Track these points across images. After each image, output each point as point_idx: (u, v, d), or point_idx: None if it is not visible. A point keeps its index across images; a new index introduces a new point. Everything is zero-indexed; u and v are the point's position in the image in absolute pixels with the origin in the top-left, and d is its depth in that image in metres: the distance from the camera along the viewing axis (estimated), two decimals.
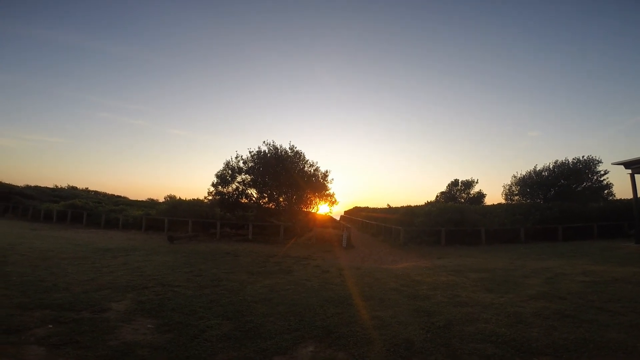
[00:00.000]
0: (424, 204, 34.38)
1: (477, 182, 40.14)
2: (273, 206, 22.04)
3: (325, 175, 22.52)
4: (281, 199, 21.81)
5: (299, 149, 22.17)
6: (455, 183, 41.04)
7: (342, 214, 43.34)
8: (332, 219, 28.63)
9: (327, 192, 22.52)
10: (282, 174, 20.71)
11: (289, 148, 21.89)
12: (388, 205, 38.39)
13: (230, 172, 21.87)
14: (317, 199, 22.48)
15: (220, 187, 21.73)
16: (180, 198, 27.52)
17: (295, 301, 5.87)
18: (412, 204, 31.16)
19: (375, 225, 24.57)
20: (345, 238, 16.86)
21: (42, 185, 42.62)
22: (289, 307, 5.48)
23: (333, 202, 22.91)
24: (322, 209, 23.66)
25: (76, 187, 47.57)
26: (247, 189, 21.83)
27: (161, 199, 40.17)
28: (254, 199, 21.97)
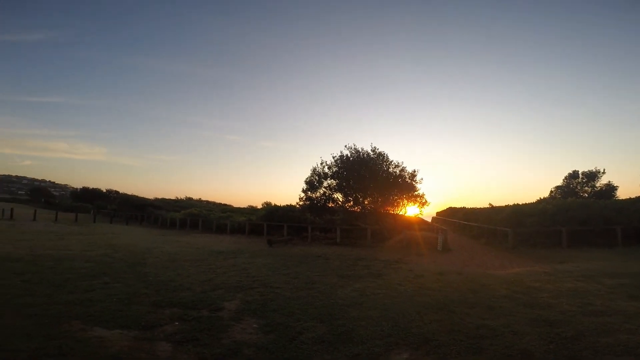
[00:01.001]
0: (535, 201, 29.83)
1: (603, 173, 32.90)
2: (359, 209, 21.93)
3: (412, 175, 21.46)
4: (366, 202, 21.57)
5: (382, 150, 21.68)
6: (574, 175, 34.37)
7: (434, 215, 40.44)
8: (422, 221, 27.05)
9: (416, 192, 21.35)
10: (365, 177, 20.50)
11: (371, 150, 21.55)
12: (490, 204, 34.31)
13: (317, 177, 22.62)
14: (405, 201, 21.51)
15: (309, 192, 22.61)
16: (275, 204, 29.68)
17: (388, 306, 5.66)
18: (520, 202, 27.34)
19: (476, 226, 22.23)
20: (441, 241, 15.69)
21: (166, 198, 51.29)
22: (381, 312, 5.29)
23: (423, 203, 21.59)
24: (411, 210, 22.55)
25: (192, 198, 55.77)
26: (333, 194, 22.24)
27: (259, 206, 44.00)
28: (340, 202, 22.25)
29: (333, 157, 22.18)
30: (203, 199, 57.95)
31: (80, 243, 13.83)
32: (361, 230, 19.28)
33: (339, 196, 22.10)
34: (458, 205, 38.35)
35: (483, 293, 6.48)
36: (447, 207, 39.99)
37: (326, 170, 22.40)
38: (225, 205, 52.15)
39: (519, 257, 12.60)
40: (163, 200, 49.03)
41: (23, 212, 30.93)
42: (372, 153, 21.39)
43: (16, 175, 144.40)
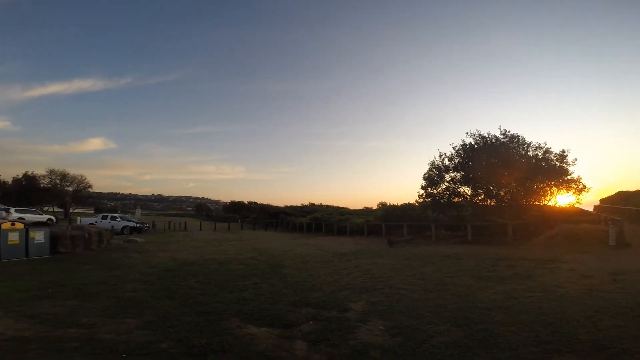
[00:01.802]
0: None
1: None
2: (492, 203, 19.30)
3: (561, 156, 17.62)
4: (502, 194, 18.79)
5: (515, 132, 18.57)
6: None
7: (597, 203, 32.16)
8: (582, 212, 21.90)
9: (568, 177, 17.43)
10: (497, 165, 17.82)
11: (501, 133, 18.69)
12: None
13: (436, 172, 20.99)
14: (554, 188, 17.80)
15: (429, 188, 21.19)
16: (391, 204, 29.14)
17: (545, 310, 5.06)
18: None
19: None
20: (614, 234, 12.39)
21: (294, 205, 56.90)
22: (536, 317, 4.76)
23: (580, 190, 17.42)
24: (563, 199, 18.51)
25: (314, 203, 60.15)
26: (458, 187, 20.21)
27: (375, 206, 44.06)
28: (467, 196, 20.05)
29: (453, 148, 20.20)
30: (323, 203, 61.96)
31: (233, 248, 16.47)
32: (498, 226, 16.93)
33: (465, 189, 19.92)
34: (632, 188, 29.46)
35: None
36: (616, 191, 31.17)
37: (447, 162, 20.55)
38: (342, 208, 54.34)
39: None
40: (291, 207, 54.63)
41: (192, 224, 39.14)
42: (502, 137, 18.56)
43: (185, 195, 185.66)
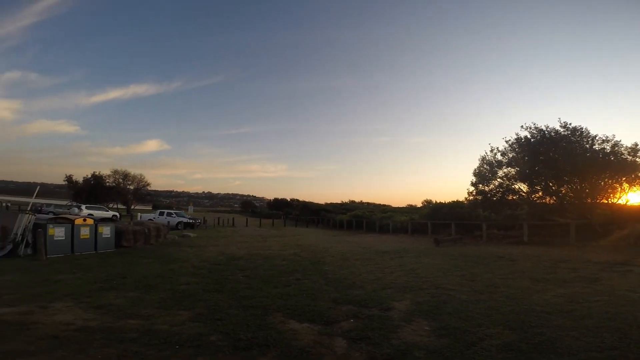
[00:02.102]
0: None
1: None
2: (552, 201, 17.70)
3: (634, 149, 15.65)
4: (563, 191, 17.16)
5: (577, 125, 16.83)
6: None
7: None
8: None
9: None
10: (557, 160, 16.30)
11: (561, 126, 17.05)
12: None
13: (487, 167, 19.73)
14: (625, 185, 15.88)
15: (480, 185, 19.98)
16: (437, 202, 27.99)
17: (612, 315, 4.68)
18: None
19: None
20: None
21: (334, 202, 57.18)
22: (601, 322, 4.44)
23: None
24: (637, 197, 16.44)
25: (354, 201, 59.94)
26: (512, 184, 18.82)
27: (419, 204, 42.61)
28: (523, 194, 18.60)
29: (507, 142, 18.86)
30: (364, 201, 61.41)
31: (277, 244, 16.96)
32: (559, 225, 15.53)
33: (521, 186, 18.51)
34: None
35: None
36: None
37: (499, 157, 19.24)
38: (384, 205, 53.44)
39: None
40: (332, 204, 54.99)
41: (239, 220, 40.99)
42: (562, 130, 16.94)
43: (232, 193, 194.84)
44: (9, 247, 9.79)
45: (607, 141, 16.12)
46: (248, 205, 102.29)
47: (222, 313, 5.02)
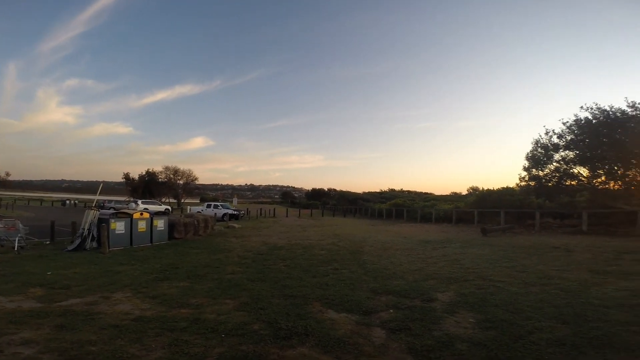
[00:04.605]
0: None
1: None
2: (617, 187, 15.99)
3: None
4: (629, 175, 15.41)
5: None
6: None
7: None
8: None
9: None
10: (624, 142, 14.68)
11: (628, 106, 15.36)
12: None
13: (543, 151, 18.27)
14: None
15: (533, 170, 18.58)
16: (486, 189, 26.51)
17: None
18: None
19: None
20: None
21: (372, 191, 56.39)
22: None
23: None
24: None
25: (394, 189, 58.59)
26: (571, 168, 17.27)
27: (464, 192, 40.65)
28: (583, 179, 16.99)
29: (564, 124, 17.42)
30: (404, 189, 59.83)
31: (316, 234, 17.22)
32: (625, 214, 14.05)
33: (581, 170, 16.99)
34: None
35: None
36: None
37: (555, 140, 17.77)
38: (426, 193, 51.82)
39: None
40: (370, 193, 54.35)
41: (279, 211, 42.09)
42: (630, 110, 15.31)
43: (272, 184, 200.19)
44: (78, 241, 10.91)
45: None
46: (288, 196, 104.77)
47: (264, 302, 5.24)
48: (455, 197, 37.41)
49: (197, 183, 56.40)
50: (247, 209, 36.96)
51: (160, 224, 12.84)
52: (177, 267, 8.24)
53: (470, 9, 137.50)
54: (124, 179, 50.09)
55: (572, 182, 17.49)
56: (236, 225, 20.92)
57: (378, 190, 58.32)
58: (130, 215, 11.84)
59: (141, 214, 12.39)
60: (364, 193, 56.01)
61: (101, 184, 16.83)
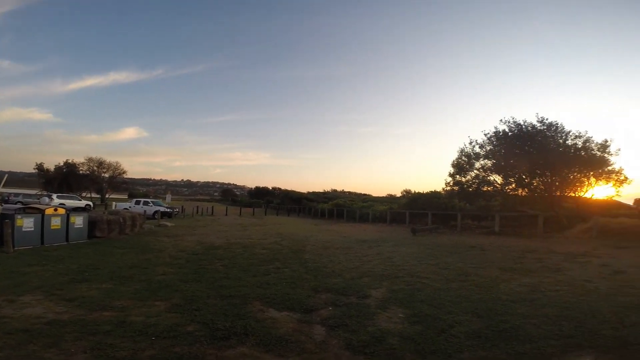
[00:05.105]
0: None
1: None
2: (524, 193, 18.53)
3: (603, 146, 16.45)
4: (534, 183, 17.97)
5: (554, 120, 17.56)
6: None
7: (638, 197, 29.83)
8: (621, 205, 20.56)
9: (609, 168, 16.35)
10: (532, 154, 17.01)
11: (538, 121, 17.76)
12: None
13: (466, 159, 20.33)
14: (592, 179, 16.79)
15: (457, 176, 20.57)
16: (416, 192, 28.66)
17: (571, 304, 5.00)
18: None
19: None
20: None
21: (316, 191, 57.35)
22: (560, 311, 4.72)
23: (621, 181, 16.30)
24: (601, 192, 17.42)
25: (336, 190, 60.44)
26: (488, 175, 19.53)
27: (398, 194, 43.50)
28: (497, 186, 19.35)
29: (485, 135, 19.47)
30: (346, 190, 62.08)
31: (257, 233, 16.92)
32: (528, 217, 16.34)
33: (496, 178, 19.24)
34: None
35: None
36: None
37: (477, 149, 19.83)
38: (365, 195, 54.29)
39: None
40: (314, 193, 55.20)
41: (218, 209, 40.43)
42: (539, 124, 17.64)
43: (212, 181, 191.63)
44: None
45: (580, 137, 16.93)
46: (228, 194, 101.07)
47: (199, 303, 5.01)
48: (390, 199, 39.79)
49: (125, 177, 51.44)
50: (182, 206, 34.77)
51: (78, 220, 11.47)
52: (98, 267, 7.47)
53: (415, 22, 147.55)
54: (37, 170, 43.67)
55: (488, 188, 19.69)
56: (169, 224, 19.59)
57: (322, 190, 59.60)
58: (42, 211, 10.39)
59: (55, 210, 10.94)
60: (309, 193, 56.68)
61: (5, 175, 14.45)
